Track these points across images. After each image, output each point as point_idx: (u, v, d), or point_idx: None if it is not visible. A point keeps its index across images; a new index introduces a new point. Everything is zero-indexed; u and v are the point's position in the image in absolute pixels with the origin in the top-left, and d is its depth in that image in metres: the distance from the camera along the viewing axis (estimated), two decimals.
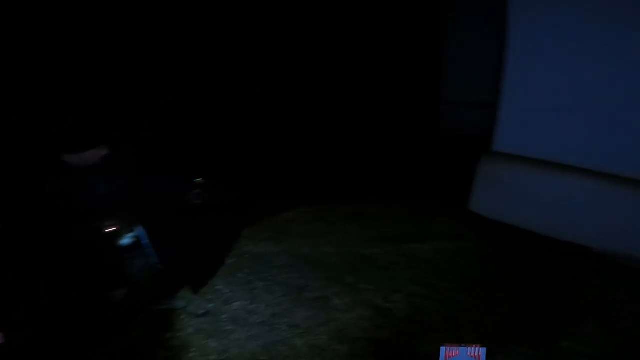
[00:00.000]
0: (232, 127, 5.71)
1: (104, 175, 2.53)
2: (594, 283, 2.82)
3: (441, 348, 1.32)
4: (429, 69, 6.07)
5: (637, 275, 2.92)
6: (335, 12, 6.01)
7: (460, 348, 1.30)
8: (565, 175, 3.30)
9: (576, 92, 3.19)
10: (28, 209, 2.42)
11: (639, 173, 3.00)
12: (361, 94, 6.30)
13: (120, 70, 5.63)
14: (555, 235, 3.36)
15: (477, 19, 5.49)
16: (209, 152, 5.12)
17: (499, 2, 3.52)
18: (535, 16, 3.27)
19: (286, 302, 2.69)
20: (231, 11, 5.94)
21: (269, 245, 3.40)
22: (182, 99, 5.99)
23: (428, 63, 6.07)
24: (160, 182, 3.16)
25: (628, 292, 2.70)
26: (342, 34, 6.09)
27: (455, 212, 3.91)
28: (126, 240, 2.64)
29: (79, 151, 2.53)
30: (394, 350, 2.28)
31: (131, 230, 2.66)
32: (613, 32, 2.94)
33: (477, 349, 1.29)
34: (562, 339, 2.29)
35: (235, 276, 2.99)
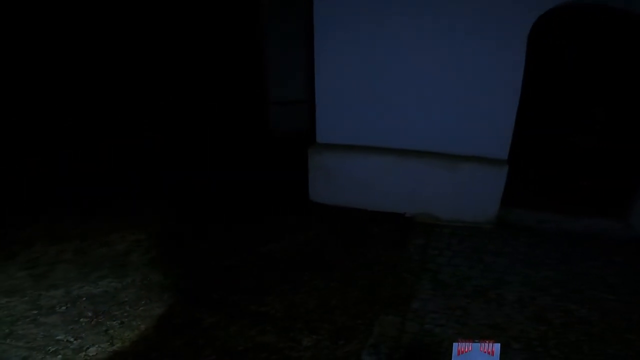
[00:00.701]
0: None
1: None
2: (413, 242, 3.52)
3: (454, 344, 1.27)
4: (254, 72, 6.39)
5: (437, 229, 3.78)
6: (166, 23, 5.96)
7: (473, 343, 1.27)
8: (375, 155, 3.99)
9: (370, 86, 3.89)
10: None
11: (423, 145, 3.89)
12: (195, 98, 6.29)
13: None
14: (379, 207, 4.07)
15: (291, 25, 5.99)
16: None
17: (307, 11, 3.98)
18: (335, 24, 3.82)
19: (153, 332, 2.38)
20: None
21: (111, 282, 2.93)
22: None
23: (252, 67, 6.38)
24: None
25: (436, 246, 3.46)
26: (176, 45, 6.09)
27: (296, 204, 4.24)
28: None
29: None
30: (282, 350, 2.30)
31: None
32: (398, 37, 3.68)
33: (490, 344, 1.26)
34: (411, 300, 2.74)
35: (79, 323, 2.47)
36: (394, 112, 3.86)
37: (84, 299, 2.73)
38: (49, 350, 2.19)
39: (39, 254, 3.29)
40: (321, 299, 2.77)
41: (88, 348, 2.24)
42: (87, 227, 3.70)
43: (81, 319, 2.51)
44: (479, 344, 1.26)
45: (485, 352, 1.26)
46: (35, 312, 2.55)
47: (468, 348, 1.25)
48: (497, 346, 1.27)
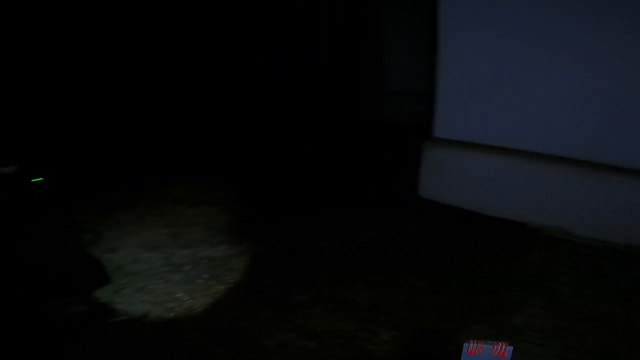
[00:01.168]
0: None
1: None
2: (533, 256, 3.07)
3: (464, 344, 1.24)
4: (370, 61, 6.23)
5: (567, 246, 3.23)
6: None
7: (484, 345, 1.22)
8: (499, 156, 3.57)
9: (503, 80, 3.46)
10: None
11: (561, 151, 3.31)
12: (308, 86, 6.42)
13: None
14: (496, 213, 3.64)
15: (411, 13, 5.67)
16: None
17: None
18: (464, 10, 3.48)
19: (250, 303, 2.66)
20: None
21: (227, 248, 3.34)
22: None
23: (368, 55, 6.23)
24: None
25: (562, 264, 2.99)
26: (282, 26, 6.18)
27: (403, 199, 4.09)
28: None
29: None
30: (360, 340, 2.34)
31: None
32: (534, 28, 3.21)
33: (503, 346, 1.22)
34: (513, 315, 2.47)
35: (194, 283, 2.91)
36: (528, 110, 3.37)
37: (205, 261, 3.19)
38: (167, 306, 2.64)
39: (180, 214, 3.93)
40: (410, 295, 2.69)
41: (197, 308, 2.63)
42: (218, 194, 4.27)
43: (197, 280, 2.94)
44: (490, 346, 1.21)
45: (496, 355, 1.21)
46: (166, 269, 3.07)
47: (479, 349, 1.21)
48: (509, 348, 1.21)
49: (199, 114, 6.04)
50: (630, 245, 3.11)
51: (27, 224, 3.71)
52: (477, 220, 3.63)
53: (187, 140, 5.68)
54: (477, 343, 1.23)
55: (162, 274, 3.01)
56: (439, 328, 2.40)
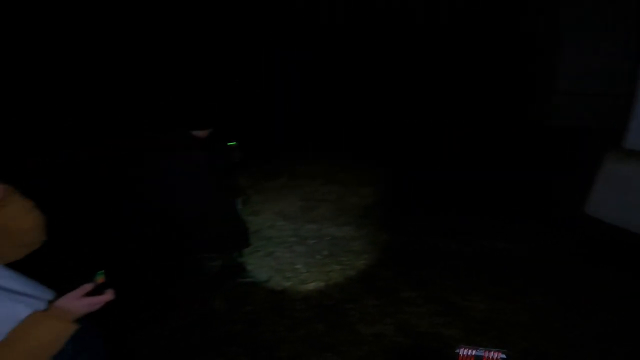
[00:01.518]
0: None
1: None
2: None
3: (457, 350, 1.22)
4: (542, 58, 5.45)
5: None
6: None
7: (476, 351, 1.20)
8: None
9: None
10: None
11: None
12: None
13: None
14: None
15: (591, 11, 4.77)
16: None
17: None
18: None
19: (358, 288, 2.74)
20: None
21: (351, 230, 3.47)
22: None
23: (539, 52, 5.45)
24: None
25: None
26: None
27: (563, 214, 3.55)
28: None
29: None
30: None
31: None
32: None
33: (495, 353, 1.19)
34: None
35: (314, 257, 3.12)
36: None
37: (328, 238, 3.38)
38: (286, 275, 2.90)
39: (315, 190, 4.20)
40: (540, 317, 2.40)
41: (310, 282, 2.83)
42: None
43: (317, 255, 3.15)
44: (483, 352, 1.20)
45: None
46: (294, 239, 3.36)
47: (471, 355, 1.20)
48: (502, 357, 1.19)
49: None
50: None
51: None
52: None
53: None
54: (469, 350, 1.21)
55: (289, 244, 3.30)
56: (561, 354, 2.11)
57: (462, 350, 1.21)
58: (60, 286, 1.12)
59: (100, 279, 1.07)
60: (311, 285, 2.79)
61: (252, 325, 2.45)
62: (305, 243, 3.30)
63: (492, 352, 1.19)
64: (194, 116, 2.84)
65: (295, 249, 3.23)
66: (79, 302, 1.04)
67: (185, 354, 2.27)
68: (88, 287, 1.06)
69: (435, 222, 3.58)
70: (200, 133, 2.65)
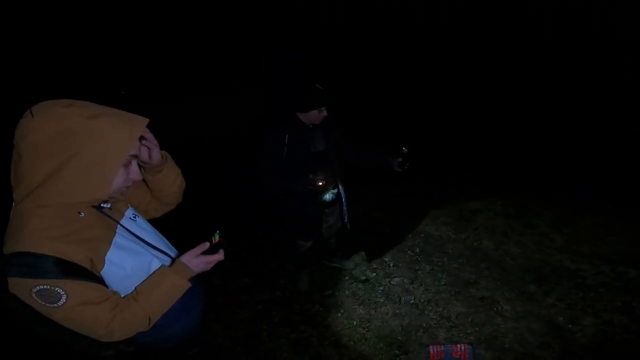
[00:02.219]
0: None
1: (322, 133, 2.72)
2: None
3: (426, 348, 1.26)
4: None
5: None
6: None
7: (445, 347, 1.23)
8: None
9: None
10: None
11: None
12: None
13: None
14: None
15: None
16: None
17: None
18: None
19: (447, 292, 2.54)
20: None
21: (448, 231, 3.23)
22: None
23: None
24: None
25: None
26: None
27: None
28: (329, 195, 2.87)
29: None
30: None
31: (334, 187, 2.88)
32: None
33: (462, 347, 1.22)
34: None
35: (405, 253, 2.98)
36: None
37: (422, 235, 3.20)
38: (372, 266, 2.83)
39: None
40: None
41: (394, 277, 2.71)
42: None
43: (409, 251, 3.00)
44: (450, 348, 1.24)
45: (457, 356, 1.22)
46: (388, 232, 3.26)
47: (440, 352, 1.24)
48: (469, 348, 1.22)
49: None
50: None
51: None
52: None
53: None
54: (438, 347, 1.25)
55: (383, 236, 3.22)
56: None
57: (431, 348, 1.26)
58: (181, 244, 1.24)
59: (216, 238, 1.14)
60: (396, 280, 2.67)
61: (327, 309, 2.45)
62: (401, 239, 3.17)
63: (459, 346, 1.23)
64: None
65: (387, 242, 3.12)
66: (198, 259, 1.12)
67: (262, 327, 2.36)
68: (205, 245, 1.14)
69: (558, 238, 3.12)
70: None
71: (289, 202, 2.61)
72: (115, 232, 1.06)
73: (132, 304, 1.03)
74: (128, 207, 1.19)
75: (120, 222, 1.10)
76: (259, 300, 2.60)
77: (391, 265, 2.84)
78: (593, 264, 2.74)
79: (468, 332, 2.18)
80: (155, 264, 1.11)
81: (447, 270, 2.75)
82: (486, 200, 3.67)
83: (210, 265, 1.14)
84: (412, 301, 2.46)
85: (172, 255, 1.20)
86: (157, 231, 1.25)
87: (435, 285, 2.60)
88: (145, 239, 1.14)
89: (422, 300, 2.46)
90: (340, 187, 2.72)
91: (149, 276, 1.09)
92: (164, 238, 1.26)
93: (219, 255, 1.13)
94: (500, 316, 2.30)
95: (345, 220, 2.91)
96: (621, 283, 2.54)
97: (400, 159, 2.36)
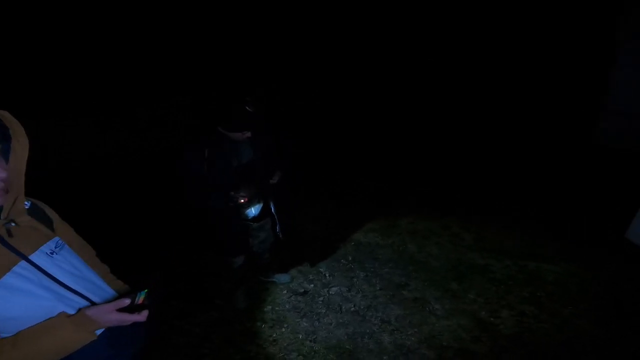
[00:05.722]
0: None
1: (249, 147, 2.64)
2: None
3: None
4: (592, 74, 5.25)
5: None
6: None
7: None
8: None
9: None
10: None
11: None
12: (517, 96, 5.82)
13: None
14: None
15: None
16: None
17: None
18: None
19: (383, 296, 2.66)
20: None
21: (376, 237, 3.40)
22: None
23: (591, 68, 5.25)
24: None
25: None
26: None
27: (603, 237, 3.35)
28: (254, 211, 2.81)
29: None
30: None
31: (260, 202, 2.82)
32: None
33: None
34: None
35: (339, 262, 3.06)
36: None
37: (353, 243, 3.32)
38: (308, 277, 2.86)
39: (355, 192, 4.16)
40: (574, 343, 2.26)
41: (332, 287, 2.77)
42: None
43: (342, 260, 3.09)
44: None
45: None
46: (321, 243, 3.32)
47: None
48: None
49: None
50: None
51: None
52: None
53: None
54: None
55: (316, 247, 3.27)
56: None
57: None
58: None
59: (141, 299, 1.03)
60: (334, 290, 2.74)
61: (270, 325, 2.42)
62: (338, 247, 3.25)
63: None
64: None
65: (320, 254, 3.18)
66: (110, 315, 1.02)
67: (204, 352, 2.25)
68: (124, 302, 1.03)
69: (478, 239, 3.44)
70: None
71: (214, 219, 2.54)
72: (9, 269, 0.93)
73: (6, 350, 0.90)
74: (52, 238, 1.06)
75: (29, 257, 0.97)
76: (196, 323, 2.48)
77: (327, 275, 2.90)
78: (498, 259, 3.08)
79: (409, 333, 2.32)
80: (61, 308, 0.99)
81: (380, 276, 2.89)
82: (406, 208, 3.93)
83: (126, 324, 1.04)
84: (352, 309, 2.54)
85: (97, 299, 1.08)
86: (87, 269, 1.12)
87: (372, 291, 2.72)
88: (60, 280, 1.01)
89: (362, 307, 2.56)
90: (269, 200, 2.71)
91: (42, 322, 0.96)
92: (97, 278, 1.14)
93: (140, 317, 1.03)
94: (434, 315, 2.48)
95: (278, 233, 2.90)
96: (524, 275, 2.90)
97: None
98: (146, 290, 1.05)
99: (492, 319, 2.46)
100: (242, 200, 2.39)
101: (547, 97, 5.68)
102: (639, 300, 2.59)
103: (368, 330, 2.34)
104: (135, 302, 1.03)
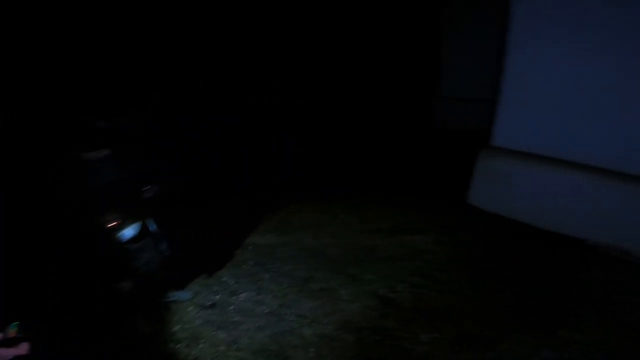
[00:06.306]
0: None
1: (111, 165, 2.44)
2: (589, 275, 2.90)
3: None
4: (426, 64, 6.09)
5: (630, 266, 3.01)
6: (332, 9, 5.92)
7: None
8: (561, 169, 3.36)
9: (574, 89, 3.24)
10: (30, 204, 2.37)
11: (632, 168, 3.06)
12: (357, 89, 6.30)
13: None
14: (551, 228, 3.42)
15: (476, 17, 5.53)
16: None
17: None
18: (538, 15, 3.31)
19: (292, 293, 2.73)
20: None
21: (273, 237, 3.44)
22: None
23: (424, 59, 6.08)
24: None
25: (622, 284, 2.78)
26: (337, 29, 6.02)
27: (453, 205, 3.96)
28: (130, 232, 2.60)
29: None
30: (398, 338, 2.33)
31: (136, 222, 2.62)
32: (612, 30, 2.98)
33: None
34: (560, 328, 2.36)
35: (240, 267, 3.02)
36: (600, 124, 3.12)
37: (250, 247, 3.30)
38: (213, 289, 2.76)
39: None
40: (458, 303, 2.64)
41: (240, 293, 2.73)
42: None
43: (243, 265, 3.05)
44: None
45: None
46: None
47: None
48: None
49: None
50: None
51: None
52: (532, 234, 3.43)
53: None
54: None
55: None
56: (480, 334, 2.35)
57: None
58: None
59: (12, 332, 0.93)
60: (243, 296, 2.70)
61: (187, 344, 2.28)
62: (236, 254, 3.18)
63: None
64: None
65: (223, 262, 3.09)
66: None
67: None
68: None
69: (356, 222, 3.72)
70: None
71: (85, 244, 2.33)
72: None
73: None
74: None
75: None
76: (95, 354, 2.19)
77: (232, 283, 2.84)
78: (382, 238, 3.41)
79: (325, 322, 2.43)
80: None
81: (284, 274, 2.94)
82: (295, 203, 4.05)
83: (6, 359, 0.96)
84: (266, 310, 2.55)
85: None
86: None
87: (280, 290, 2.76)
88: None
89: (275, 307, 2.58)
90: (147, 219, 2.57)
91: None
92: None
93: (19, 350, 0.98)
94: (342, 301, 2.64)
95: (165, 250, 2.77)
96: (405, 249, 3.26)
97: None
98: (17, 323, 0.97)
99: (390, 294, 2.72)
100: (114, 224, 2.22)
101: (387, 91, 6.33)
102: (493, 258, 3.15)
103: (287, 328, 2.38)
104: (6, 335, 0.94)
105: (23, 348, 0.90)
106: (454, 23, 5.84)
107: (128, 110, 3.36)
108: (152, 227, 2.71)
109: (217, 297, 2.70)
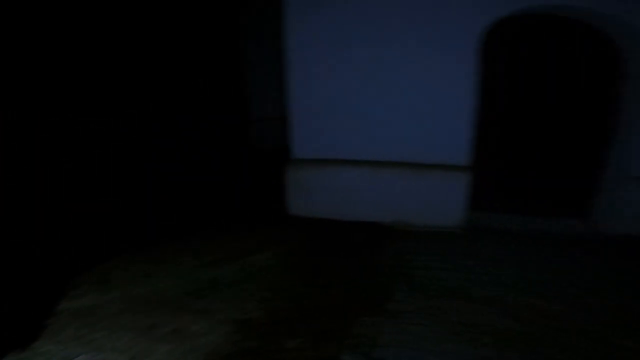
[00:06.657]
0: None
1: None
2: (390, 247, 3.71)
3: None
4: (237, 92, 6.50)
5: (414, 235, 4.01)
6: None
7: None
8: (351, 168, 4.24)
9: (348, 101, 4.13)
10: None
11: (405, 158, 4.12)
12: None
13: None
14: (358, 217, 4.28)
15: (270, 44, 6.20)
16: None
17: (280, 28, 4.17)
18: (307, 32, 4.04)
19: (140, 343, 2.43)
20: None
21: (90, 301, 2.93)
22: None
23: (235, 87, 6.48)
24: None
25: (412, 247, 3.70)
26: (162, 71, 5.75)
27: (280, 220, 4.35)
28: None
29: None
30: (267, 351, 2.38)
31: None
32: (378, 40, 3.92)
33: None
34: (388, 301, 2.88)
35: (60, 334, 2.49)
36: (365, 126, 4.12)
37: (69, 310, 2.76)
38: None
39: None
40: (307, 304, 2.87)
41: (74, 358, 2.26)
42: None
43: (65, 332, 2.53)
44: None
45: None
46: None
47: None
48: None
49: None
50: (448, 227, 4.07)
51: None
52: (344, 227, 4.13)
53: None
54: None
55: None
56: (334, 327, 2.62)
57: None
58: None
59: None
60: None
61: None
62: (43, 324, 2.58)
63: None
64: None
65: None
66: None
67: None
68: None
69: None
70: None
71: None
72: None
73: None
74: None
75: None
76: None
77: (58, 350, 2.33)
78: (224, 267, 3.39)
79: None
80: None
81: (121, 327, 2.58)
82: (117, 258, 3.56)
83: None
84: None
85: None
86: None
87: (124, 344, 2.42)
88: None
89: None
90: None
91: None
92: None
93: None
94: (198, 336, 2.51)
95: None
96: (247, 270, 3.33)
97: None
98: None
99: (244, 316, 2.74)
100: None
101: (204, 119, 6.40)
102: (323, 257, 3.58)
103: None
104: None
105: None
106: (257, 47, 6.44)
107: None
108: None
109: None
